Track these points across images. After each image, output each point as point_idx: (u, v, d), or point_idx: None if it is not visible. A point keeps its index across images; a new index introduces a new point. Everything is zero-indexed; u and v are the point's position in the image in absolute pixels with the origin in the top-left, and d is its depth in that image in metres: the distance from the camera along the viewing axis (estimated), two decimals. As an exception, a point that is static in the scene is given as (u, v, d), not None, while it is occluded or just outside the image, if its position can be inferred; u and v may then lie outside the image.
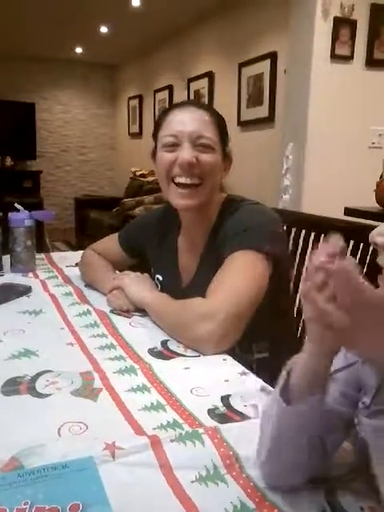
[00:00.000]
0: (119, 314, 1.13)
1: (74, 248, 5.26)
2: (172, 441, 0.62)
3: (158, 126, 1.12)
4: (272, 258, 1.01)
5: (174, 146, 1.06)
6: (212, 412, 0.71)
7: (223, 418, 0.70)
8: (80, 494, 0.49)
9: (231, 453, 0.60)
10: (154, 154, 1.14)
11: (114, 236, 1.39)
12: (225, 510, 0.51)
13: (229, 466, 0.58)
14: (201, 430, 0.65)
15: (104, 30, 5.16)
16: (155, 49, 5.54)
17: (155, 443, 0.61)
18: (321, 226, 1.35)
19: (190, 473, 0.57)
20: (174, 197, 1.09)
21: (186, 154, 1.04)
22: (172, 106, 1.15)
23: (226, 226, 1.07)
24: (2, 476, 0.53)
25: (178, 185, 1.07)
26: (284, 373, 0.52)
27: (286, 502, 0.52)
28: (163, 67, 5.48)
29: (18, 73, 6.26)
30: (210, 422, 0.68)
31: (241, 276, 0.97)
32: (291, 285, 1.24)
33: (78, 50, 6.14)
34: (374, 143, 2.83)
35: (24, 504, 0.48)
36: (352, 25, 2.65)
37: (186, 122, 1.06)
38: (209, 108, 1.13)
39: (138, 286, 1.15)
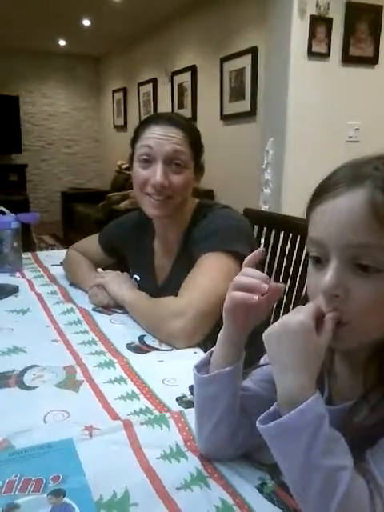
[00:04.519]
0: (100, 311, 1.22)
1: (62, 241, 5.33)
2: (142, 424, 0.72)
3: (136, 136, 1.19)
4: (239, 257, 1.10)
5: (147, 162, 1.14)
6: (180, 399, 0.81)
7: (189, 405, 0.79)
8: (60, 468, 0.60)
9: (192, 437, 0.70)
10: (130, 161, 1.22)
11: (95, 236, 1.47)
12: (183, 480, 0.62)
13: (189, 445, 0.68)
14: (167, 415, 0.75)
15: (86, 22, 5.18)
16: (138, 41, 5.57)
17: (127, 426, 0.71)
18: (287, 225, 1.47)
19: (155, 450, 0.67)
20: (147, 206, 1.17)
21: (159, 176, 1.11)
22: (150, 118, 1.20)
23: (198, 229, 1.17)
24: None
25: (150, 196, 1.15)
26: (206, 354, 0.66)
27: (231, 472, 0.63)
28: (147, 60, 5.51)
29: (1, 66, 6.24)
30: (177, 408, 0.78)
31: (209, 276, 1.06)
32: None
33: (62, 42, 6.14)
34: (350, 137, 2.93)
35: (14, 476, 0.58)
36: (328, 23, 2.73)
37: (161, 138, 1.12)
38: (184, 125, 1.16)
39: (117, 283, 1.24)
